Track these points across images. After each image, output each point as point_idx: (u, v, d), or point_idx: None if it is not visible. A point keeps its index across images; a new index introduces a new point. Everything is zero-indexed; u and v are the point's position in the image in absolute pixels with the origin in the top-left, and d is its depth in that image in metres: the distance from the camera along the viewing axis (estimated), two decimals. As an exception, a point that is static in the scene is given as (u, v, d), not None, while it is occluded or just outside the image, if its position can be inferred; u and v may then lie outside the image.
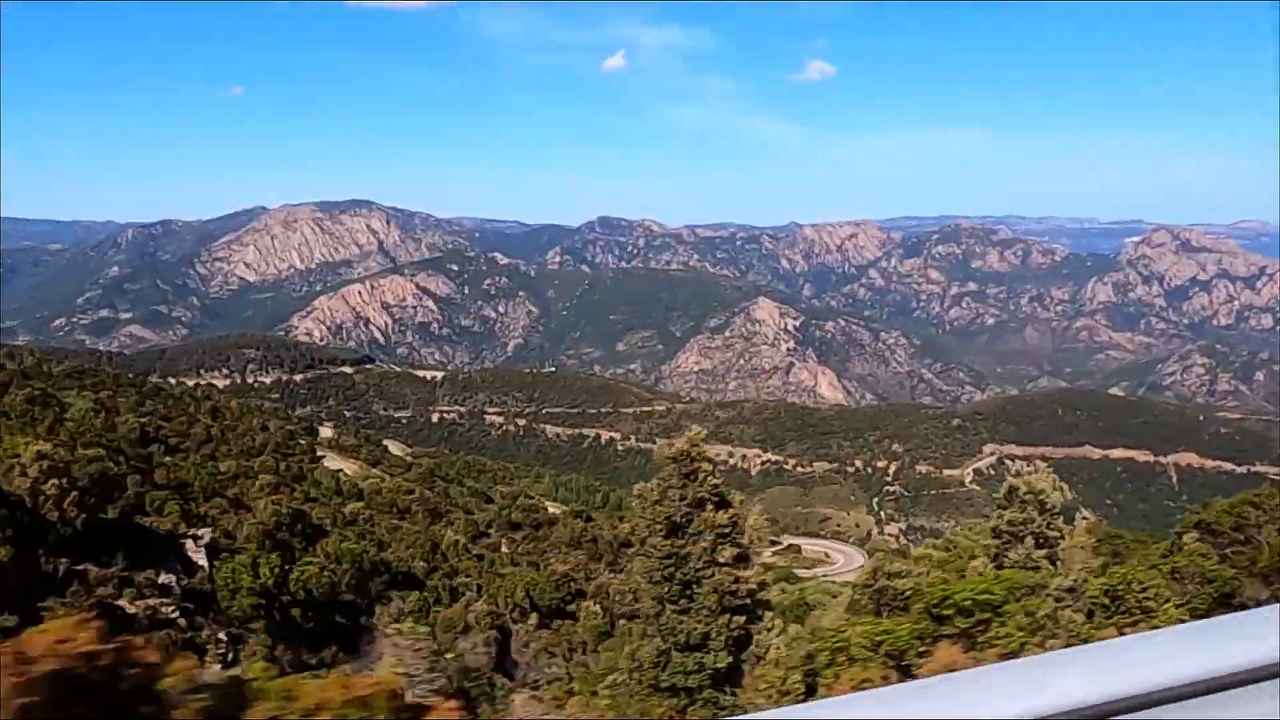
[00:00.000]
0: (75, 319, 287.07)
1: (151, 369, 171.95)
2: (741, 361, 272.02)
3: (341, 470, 52.25)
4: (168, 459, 39.15)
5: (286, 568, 21.81)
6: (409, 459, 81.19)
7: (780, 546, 61.72)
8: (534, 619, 27.61)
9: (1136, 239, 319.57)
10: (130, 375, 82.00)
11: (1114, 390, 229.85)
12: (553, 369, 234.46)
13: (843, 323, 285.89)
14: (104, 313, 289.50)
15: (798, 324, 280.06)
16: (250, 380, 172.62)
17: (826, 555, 54.97)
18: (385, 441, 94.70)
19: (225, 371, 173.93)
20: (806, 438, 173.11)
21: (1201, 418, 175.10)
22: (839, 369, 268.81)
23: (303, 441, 61.80)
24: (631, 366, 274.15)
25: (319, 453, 59.87)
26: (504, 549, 38.95)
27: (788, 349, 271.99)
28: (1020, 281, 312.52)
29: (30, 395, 35.47)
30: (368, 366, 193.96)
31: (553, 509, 57.41)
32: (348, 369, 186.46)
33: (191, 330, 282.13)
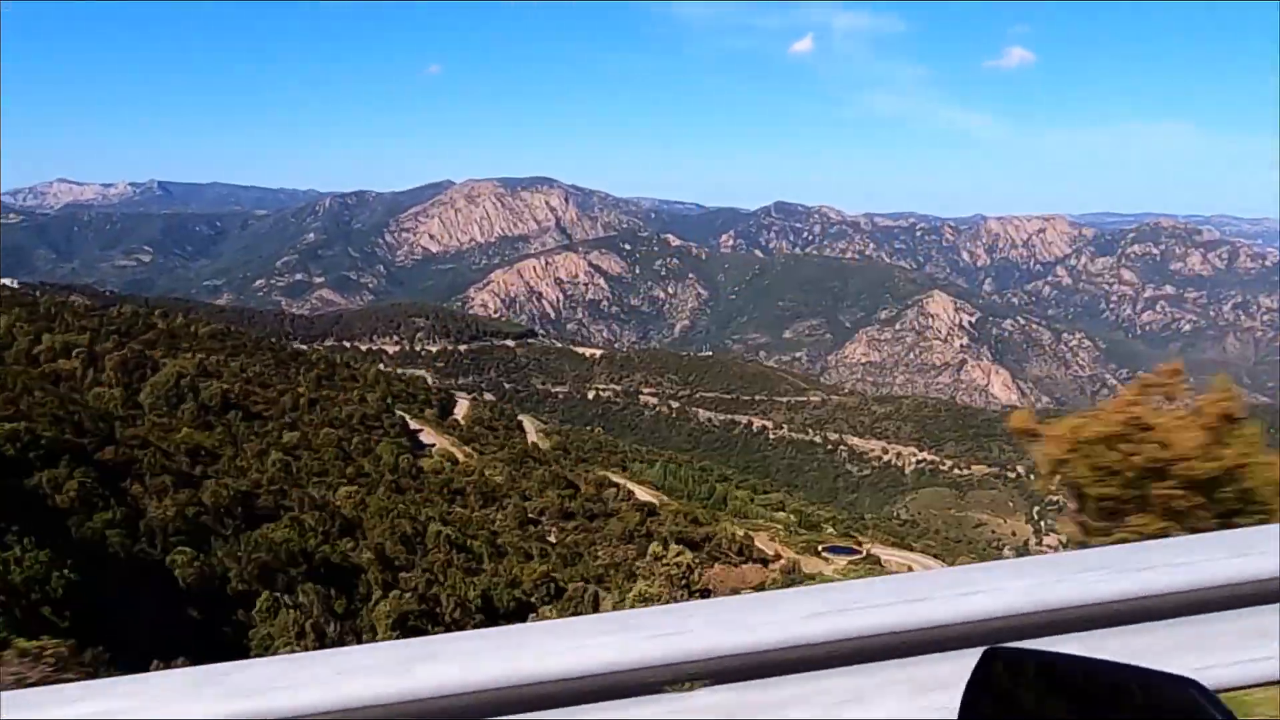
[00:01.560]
0: (273, 281, 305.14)
1: (328, 332, 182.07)
2: (911, 356, 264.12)
3: (433, 446, 53.49)
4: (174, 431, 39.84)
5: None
6: (543, 436, 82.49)
7: (859, 555, 59.28)
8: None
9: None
10: (273, 340, 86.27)
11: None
12: (709, 353, 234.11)
13: (1022, 321, 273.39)
14: (299, 276, 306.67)
15: (973, 320, 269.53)
16: (418, 348, 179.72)
17: (910, 570, 52.21)
18: (522, 417, 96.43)
19: (396, 339, 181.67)
20: (966, 439, 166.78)
21: None
22: (1014, 369, 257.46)
23: (398, 413, 63.49)
24: (797, 355, 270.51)
25: (414, 427, 61.46)
26: (552, 538, 38.95)
27: (960, 345, 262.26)
28: (1224, 286, 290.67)
29: (124, 357, 37.76)
30: (530, 341, 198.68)
31: (645, 498, 57.09)
32: (510, 342, 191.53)
33: (377, 296, 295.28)
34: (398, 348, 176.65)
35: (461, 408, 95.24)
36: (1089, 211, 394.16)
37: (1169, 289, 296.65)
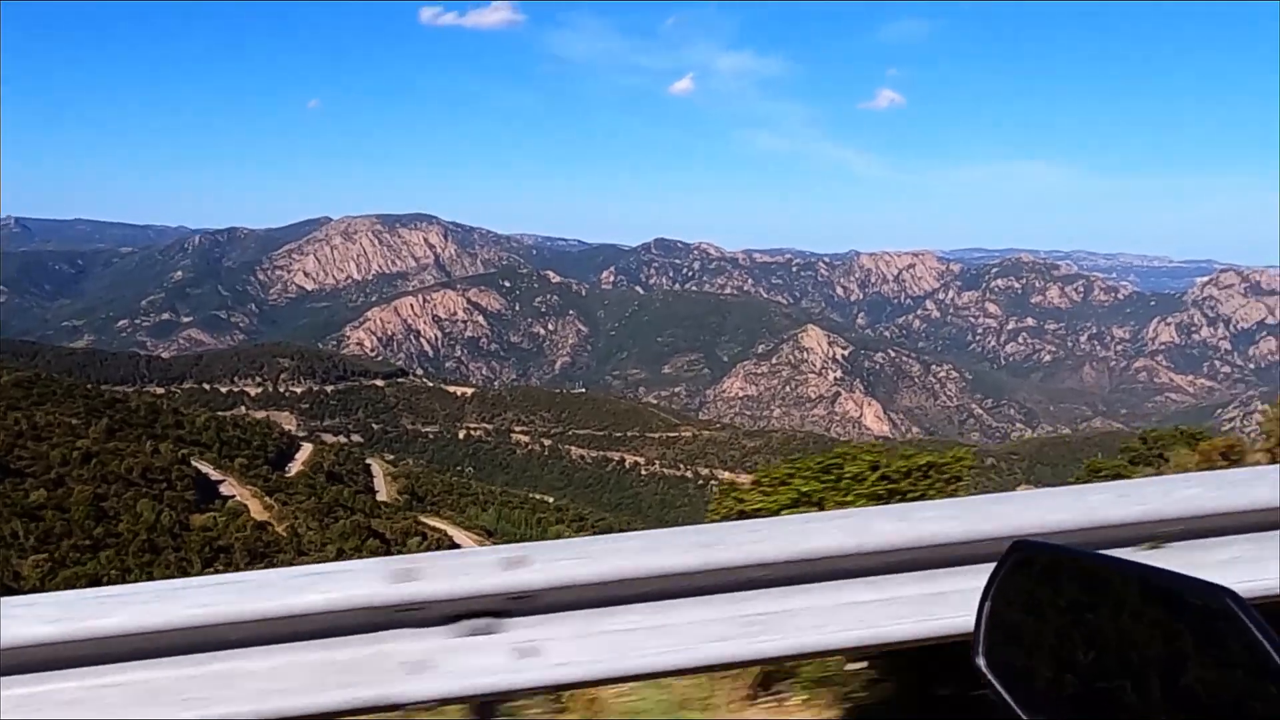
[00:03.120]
0: (138, 321, 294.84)
1: (187, 374, 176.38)
2: (787, 389, 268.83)
3: (231, 498, 51.70)
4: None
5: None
6: (390, 480, 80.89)
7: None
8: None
9: (1204, 279, 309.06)
10: (89, 384, 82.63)
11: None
12: (583, 389, 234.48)
13: (893, 354, 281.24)
14: (166, 316, 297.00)
15: (847, 353, 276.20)
16: (282, 389, 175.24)
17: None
18: (370, 461, 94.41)
19: (259, 380, 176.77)
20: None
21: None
22: (886, 401, 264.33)
23: (196, 467, 61.06)
24: (676, 389, 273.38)
25: (216, 478, 59.42)
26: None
27: (834, 378, 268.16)
28: (1080, 318, 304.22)
29: None
30: (400, 380, 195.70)
31: (464, 544, 56.17)
32: (379, 382, 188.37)
33: (249, 336, 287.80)
34: (260, 389, 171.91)
35: (305, 452, 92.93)
36: (957, 247, 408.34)
37: (1030, 321, 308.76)
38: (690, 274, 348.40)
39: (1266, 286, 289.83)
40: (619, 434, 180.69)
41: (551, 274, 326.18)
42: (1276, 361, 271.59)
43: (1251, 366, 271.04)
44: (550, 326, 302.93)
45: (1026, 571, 1.32)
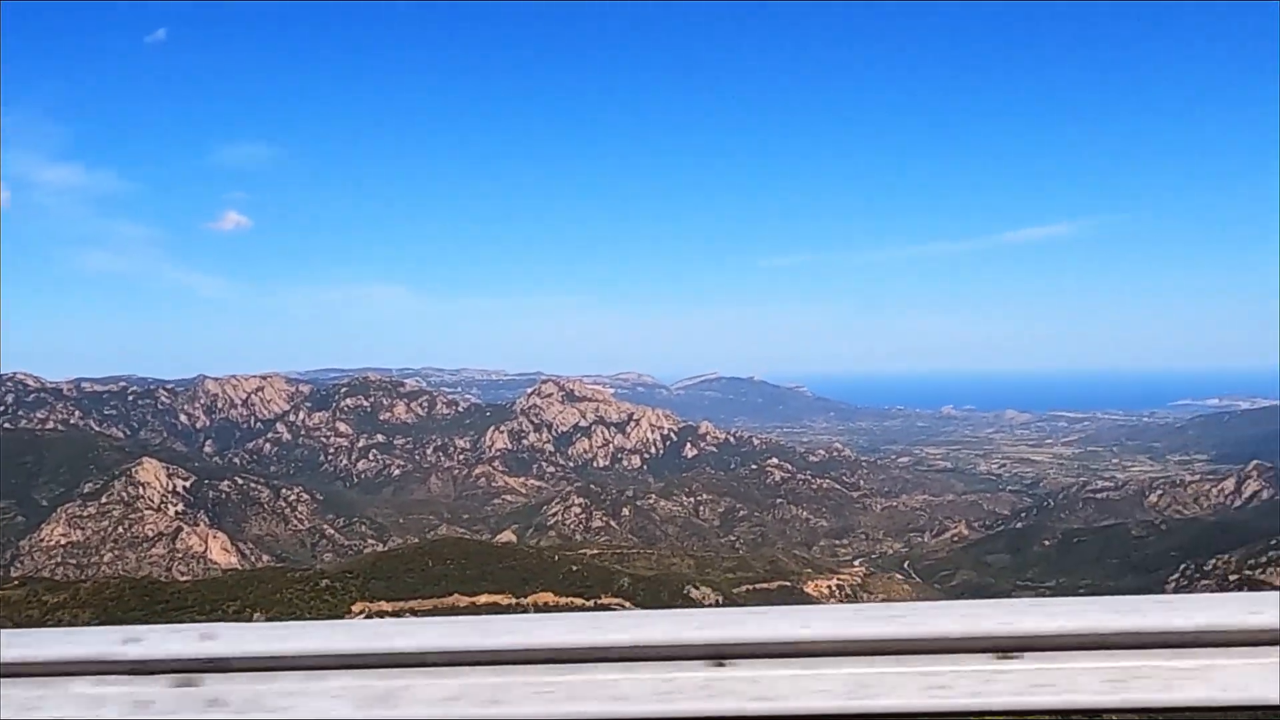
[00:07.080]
0: None
1: None
2: (120, 530, 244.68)
3: None
4: None
5: None
6: None
7: None
8: None
9: (531, 389, 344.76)
10: None
11: (505, 534, 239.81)
12: None
13: (241, 481, 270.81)
14: None
15: (189, 484, 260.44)
16: None
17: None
18: None
19: None
20: (155, 616, 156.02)
21: (556, 557, 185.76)
22: (234, 531, 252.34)
23: None
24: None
25: None
26: None
27: (176, 512, 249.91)
28: (426, 432, 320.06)
29: None
30: None
31: None
32: None
33: None
34: None
35: None
36: (312, 368, 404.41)
37: (380, 437, 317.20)
38: (2, 409, 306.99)
39: (579, 394, 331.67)
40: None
41: None
42: (590, 459, 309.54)
43: (571, 464, 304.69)
44: None
45: None
